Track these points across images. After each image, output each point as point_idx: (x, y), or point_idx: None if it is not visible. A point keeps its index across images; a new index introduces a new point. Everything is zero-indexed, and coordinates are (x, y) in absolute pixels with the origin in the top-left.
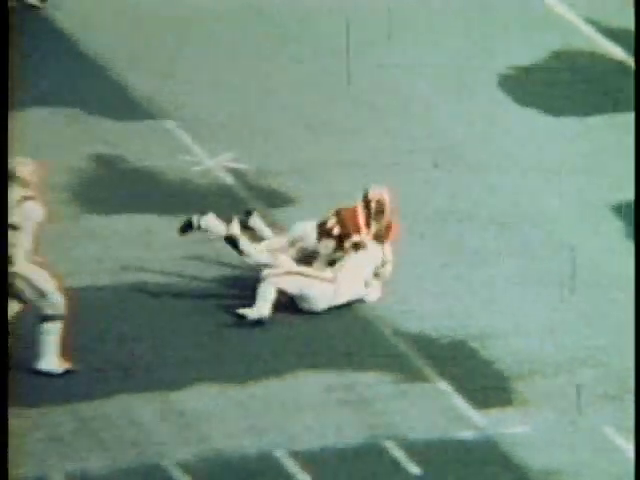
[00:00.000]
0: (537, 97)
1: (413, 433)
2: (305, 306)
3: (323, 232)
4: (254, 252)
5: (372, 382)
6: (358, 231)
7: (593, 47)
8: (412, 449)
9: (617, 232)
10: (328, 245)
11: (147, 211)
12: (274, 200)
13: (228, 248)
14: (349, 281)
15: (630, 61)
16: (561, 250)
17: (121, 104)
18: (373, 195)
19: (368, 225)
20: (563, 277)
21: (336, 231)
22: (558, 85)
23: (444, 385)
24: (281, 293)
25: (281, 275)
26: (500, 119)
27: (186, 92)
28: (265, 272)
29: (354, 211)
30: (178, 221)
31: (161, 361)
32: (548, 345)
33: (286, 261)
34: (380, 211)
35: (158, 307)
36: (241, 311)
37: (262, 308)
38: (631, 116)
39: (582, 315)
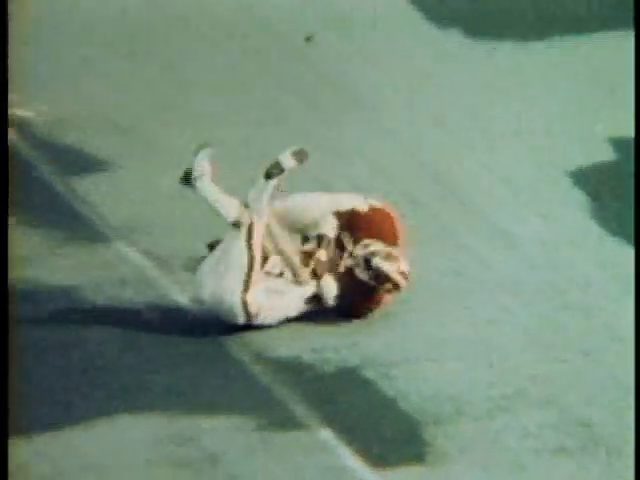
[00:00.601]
0: (460, 14)
1: None
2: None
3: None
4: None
5: (222, 430)
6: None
7: None
8: None
9: (579, 210)
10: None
11: None
12: (76, 164)
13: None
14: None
15: None
16: (499, 238)
17: None
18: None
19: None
20: (501, 276)
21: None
22: None
23: (326, 434)
24: None
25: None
26: (411, 46)
27: None
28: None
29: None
30: None
31: None
32: (479, 375)
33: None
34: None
35: None
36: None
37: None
38: (594, 40)
39: (528, 331)
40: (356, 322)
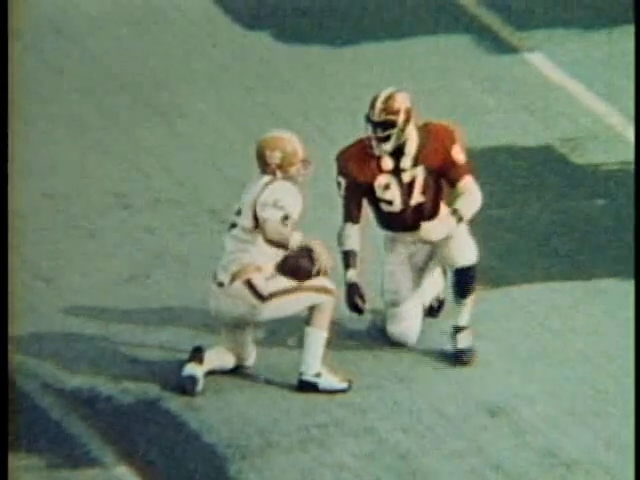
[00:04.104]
0: (272, 14)
1: None
2: None
3: None
4: None
5: (8, 470)
6: None
7: None
8: None
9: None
10: None
11: None
12: None
13: None
14: None
15: None
16: None
17: None
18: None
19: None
20: None
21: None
22: None
23: (123, 471)
24: None
25: None
26: (215, 48)
27: None
28: None
29: None
30: None
31: None
32: (292, 403)
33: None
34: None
35: None
36: None
37: None
38: (411, 47)
39: (341, 356)
40: (155, 350)
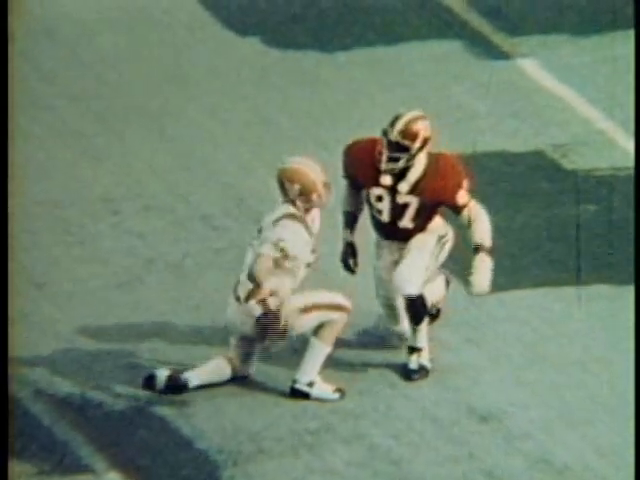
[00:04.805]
0: (264, 20)
1: None
2: None
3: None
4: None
5: None
6: None
7: None
8: None
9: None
10: None
11: None
12: None
13: None
14: None
15: None
16: None
17: None
18: None
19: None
20: None
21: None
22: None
23: (114, 477)
24: None
25: None
26: (207, 53)
27: None
28: None
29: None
30: None
31: None
32: (283, 409)
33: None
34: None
35: None
36: None
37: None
38: (407, 53)
39: (333, 362)
40: (146, 356)
